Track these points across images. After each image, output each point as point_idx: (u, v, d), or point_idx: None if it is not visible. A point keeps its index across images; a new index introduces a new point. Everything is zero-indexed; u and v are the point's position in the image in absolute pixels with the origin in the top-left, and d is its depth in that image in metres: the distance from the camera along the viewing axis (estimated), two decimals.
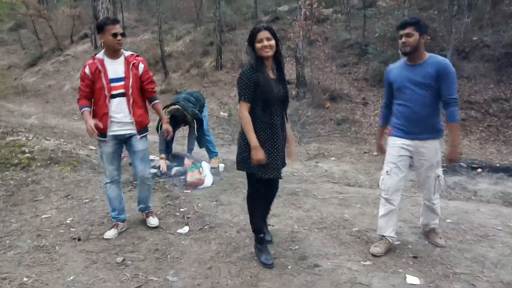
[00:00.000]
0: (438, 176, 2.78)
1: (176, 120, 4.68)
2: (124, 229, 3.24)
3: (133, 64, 3.03)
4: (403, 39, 2.62)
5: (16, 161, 4.97)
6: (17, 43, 22.69)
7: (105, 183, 3.19)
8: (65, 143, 6.13)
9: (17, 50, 22.19)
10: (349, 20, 14.58)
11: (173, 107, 4.67)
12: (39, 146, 5.51)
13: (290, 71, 11.68)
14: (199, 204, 3.86)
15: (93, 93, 2.98)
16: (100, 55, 3.00)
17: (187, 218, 3.51)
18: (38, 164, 4.98)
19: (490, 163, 6.40)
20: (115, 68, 2.98)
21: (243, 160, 2.56)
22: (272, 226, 3.29)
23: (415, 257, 2.75)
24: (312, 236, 3.12)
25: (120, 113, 2.99)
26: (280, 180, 2.74)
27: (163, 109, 4.27)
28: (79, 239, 3.08)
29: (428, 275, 2.51)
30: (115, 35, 2.89)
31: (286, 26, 13.99)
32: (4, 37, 23.51)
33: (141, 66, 3.08)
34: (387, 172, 2.80)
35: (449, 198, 4.44)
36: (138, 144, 3.12)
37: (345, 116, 9.92)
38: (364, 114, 10.08)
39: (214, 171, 4.90)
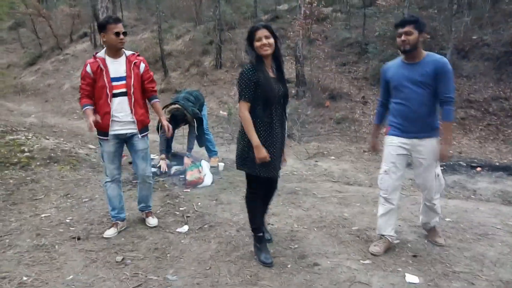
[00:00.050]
0: (438, 175, 2.77)
1: (176, 120, 4.69)
2: (123, 228, 3.25)
3: (134, 63, 3.03)
4: (403, 37, 2.61)
5: (15, 160, 4.97)
6: (17, 42, 22.62)
7: (105, 182, 3.19)
8: (64, 142, 6.13)
9: (16, 49, 22.12)
10: (349, 19, 14.54)
11: (173, 106, 4.68)
12: (39, 145, 5.51)
13: (289, 70, 11.65)
14: (199, 203, 3.86)
15: (94, 91, 2.98)
16: (101, 54, 2.99)
17: (187, 217, 3.51)
18: (38, 163, 4.98)
19: (489, 162, 6.40)
20: (116, 67, 2.97)
21: (244, 159, 2.55)
22: (272, 225, 3.29)
23: (414, 256, 2.75)
24: (312, 235, 3.13)
25: (121, 112, 3.00)
26: (279, 179, 2.74)
27: (163, 108, 4.28)
28: (78, 238, 3.08)
29: (428, 273, 2.52)
30: (117, 34, 2.89)
31: (286, 25, 13.94)
32: (4, 36, 23.45)
33: (142, 66, 3.09)
34: (385, 171, 2.80)
35: (448, 197, 4.44)
36: (140, 143, 3.12)
37: (344, 115, 9.90)
38: (364, 113, 10.06)
39: (214, 170, 4.91)
